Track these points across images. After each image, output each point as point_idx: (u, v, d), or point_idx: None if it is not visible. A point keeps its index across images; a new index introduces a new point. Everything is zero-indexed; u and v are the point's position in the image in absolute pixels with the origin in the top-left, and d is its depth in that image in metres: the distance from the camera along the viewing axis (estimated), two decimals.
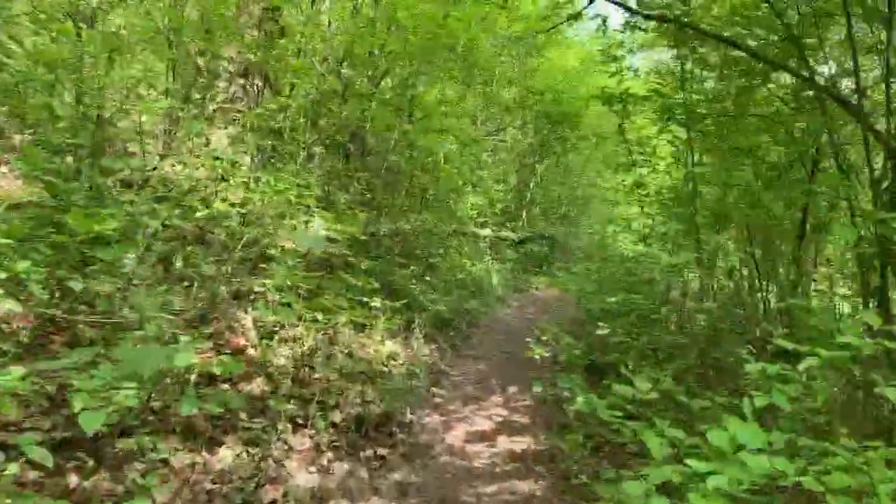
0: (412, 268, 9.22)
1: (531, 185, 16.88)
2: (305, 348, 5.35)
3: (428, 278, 9.27)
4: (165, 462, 3.67)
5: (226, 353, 5.17)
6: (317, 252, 5.60)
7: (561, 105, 15.85)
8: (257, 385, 4.86)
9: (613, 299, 4.07)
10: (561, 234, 15.96)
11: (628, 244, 9.91)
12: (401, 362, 6.04)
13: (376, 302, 6.15)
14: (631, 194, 7.20)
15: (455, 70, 12.17)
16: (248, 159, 9.56)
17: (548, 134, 16.26)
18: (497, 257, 12.77)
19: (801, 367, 2.14)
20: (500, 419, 5.10)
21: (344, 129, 10.98)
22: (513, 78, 15.55)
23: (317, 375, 5.17)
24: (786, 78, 5.69)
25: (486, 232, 13.07)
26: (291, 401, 4.77)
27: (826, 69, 4.64)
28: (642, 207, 7.28)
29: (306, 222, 10.06)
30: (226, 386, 4.75)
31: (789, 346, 2.25)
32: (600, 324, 3.99)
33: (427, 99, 10.68)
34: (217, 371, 4.13)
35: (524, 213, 16.59)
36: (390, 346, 6.21)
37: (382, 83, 11.70)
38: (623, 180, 7.71)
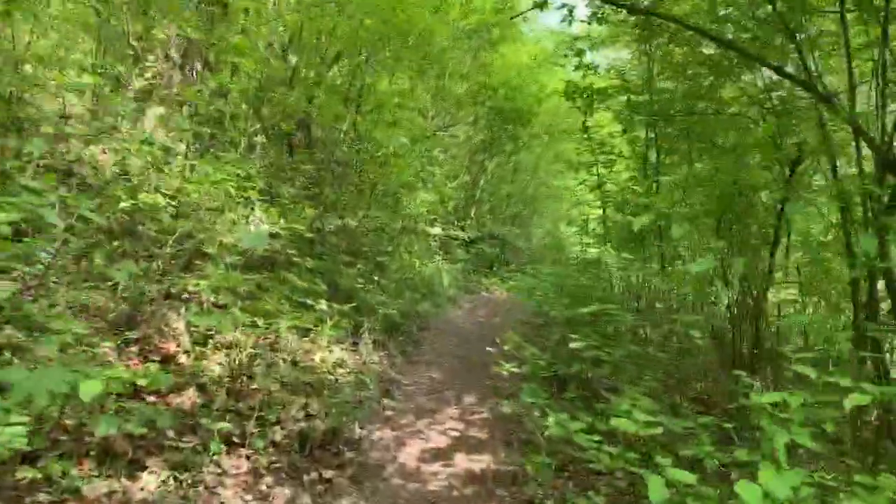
0: (359, 266, 8.78)
1: (481, 182, 16.63)
2: (244, 356, 4.87)
3: (377, 278, 8.85)
4: (77, 492, 3.18)
5: (154, 361, 4.67)
6: (258, 250, 5.14)
7: (514, 102, 15.64)
8: (188, 398, 4.37)
9: (587, 310, 3.76)
10: (511, 234, 15.73)
11: (586, 245, 9.73)
12: (348, 370, 5.63)
13: (322, 305, 5.72)
14: (593, 193, 6.96)
15: (408, 60, 11.77)
16: (183, 147, 8.99)
17: (499, 131, 16.03)
18: (447, 257, 12.44)
19: (846, 404, 1.86)
20: (456, 434, 4.75)
21: (289, 118, 10.46)
22: (465, 72, 15.24)
23: (256, 386, 4.71)
24: (759, 76, 5.52)
25: (437, 230, 12.71)
26: (227, 416, 4.32)
27: (808, 66, 4.45)
28: (604, 209, 7.07)
29: (247, 216, 9.52)
30: (152, 399, 4.25)
31: (811, 373, 1.98)
32: (573, 336, 3.67)
33: (379, 88, 10.25)
34: (142, 382, 3.65)
35: (473, 212, 16.33)
36: (337, 352, 5.78)
37: (332, 71, 11.21)
38: (584, 180, 7.49)
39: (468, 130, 15.72)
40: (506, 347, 4.92)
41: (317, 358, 5.55)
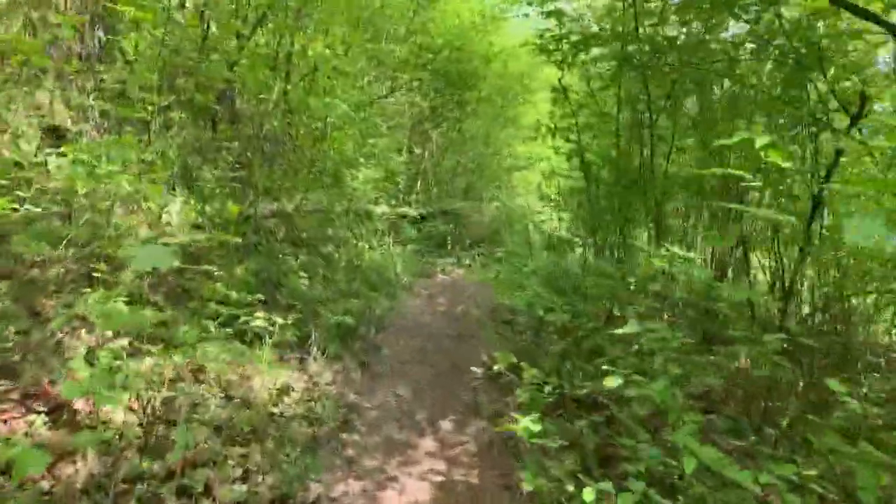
0: (301, 258, 7.74)
1: (427, 154, 15.58)
2: (160, 395, 3.83)
3: (322, 271, 7.83)
4: None
5: (39, 412, 3.62)
6: (163, 269, 4.08)
7: (459, 63, 14.59)
8: (83, 467, 3.33)
9: (624, 330, 2.85)
10: (465, 208, 14.79)
11: (553, 220, 8.91)
12: (297, 398, 4.64)
13: (259, 319, 4.69)
14: (569, 161, 6.08)
15: (339, 22, 10.62)
16: (88, 127, 7.80)
17: (444, 96, 14.97)
18: (399, 239, 11.43)
19: None
20: (438, 478, 3.84)
21: (208, 90, 9.20)
22: (404, 34, 14.06)
23: (176, 438, 3.69)
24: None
25: (383, 209, 11.68)
26: (136, 486, 3.30)
27: None
28: (587, 178, 6.19)
29: (162, 207, 8.33)
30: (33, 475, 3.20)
31: None
32: (606, 369, 2.77)
33: (314, 51, 9.09)
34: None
35: (420, 186, 15.29)
36: (282, 375, 4.78)
37: (255, 34, 9.93)
38: (559, 147, 6.59)
39: (411, 97, 14.58)
40: (496, 367, 4.04)
41: (256, 386, 4.53)
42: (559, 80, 6.08)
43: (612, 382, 2.73)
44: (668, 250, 3.28)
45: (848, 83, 4.35)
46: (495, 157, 16.28)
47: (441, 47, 14.42)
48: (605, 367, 2.93)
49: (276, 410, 4.38)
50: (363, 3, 11.00)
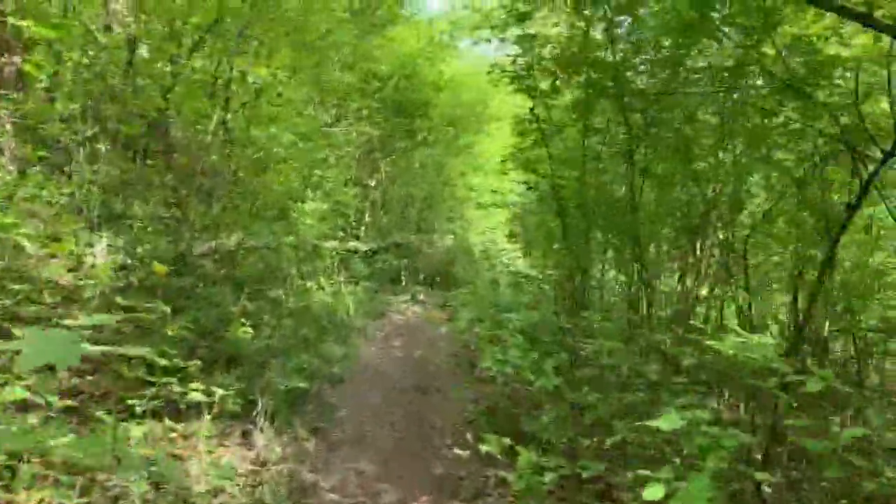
0: (244, 303, 7.03)
1: (373, 184, 14.93)
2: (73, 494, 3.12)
3: (267, 317, 7.13)
4: None
5: None
6: (62, 368, 3.36)
7: (408, 92, 14.12)
8: None
9: (662, 424, 2.30)
10: (417, 241, 14.19)
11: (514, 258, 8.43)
12: (241, 483, 3.94)
13: (196, 392, 4.00)
14: (541, 197, 5.62)
15: (284, 44, 10.02)
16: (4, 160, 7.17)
17: (394, 125, 14.43)
18: (349, 276, 10.74)
19: None
20: None
21: (137, 119, 8.47)
22: (350, 61, 13.49)
23: None
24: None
25: (332, 244, 11.00)
26: None
27: None
28: (561, 213, 5.73)
29: (88, 245, 7.62)
30: None
31: None
32: (643, 474, 2.21)
33: (258, 75, 8.47)
34: None
35: (366, 217, 14.59)
36: (223, 455, 4.08)
37: (191, 59, 9.23)
38: (530, 183, 6.12)
39: (358, 126, 13.99)
40: (483, 449, 3.46)
41: (193, 470, 3.82)
42: (531, 109, 5.62)
43: (654, 494, 2.18)
44: (735, 332, 2.78)
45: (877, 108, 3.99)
46: (448, 188, 15.79)
47: (389, 74, 13.94)
48: (641, 472, 2.38)
49: (216, 502, 3.68)
50: (307, 26, 10.42)
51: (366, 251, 12.25)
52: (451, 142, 15.23)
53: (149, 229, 7.81)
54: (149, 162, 9.05)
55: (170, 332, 4.77)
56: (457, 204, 16.41)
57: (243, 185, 9.60)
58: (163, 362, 3.88)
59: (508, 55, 6.66)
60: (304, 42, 10.50)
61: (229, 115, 8.95)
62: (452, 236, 15.35)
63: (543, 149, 5.69)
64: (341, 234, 12.04)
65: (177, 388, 4.03)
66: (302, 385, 5.26)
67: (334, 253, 10.53)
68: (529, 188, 6.32)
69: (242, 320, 6.74)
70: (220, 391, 4.16)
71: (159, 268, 5.56)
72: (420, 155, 15.40)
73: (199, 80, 9.10)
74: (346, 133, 13.00)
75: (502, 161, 6.23)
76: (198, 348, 5.34)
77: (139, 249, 7.17)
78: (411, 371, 7.17)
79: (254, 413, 4.65)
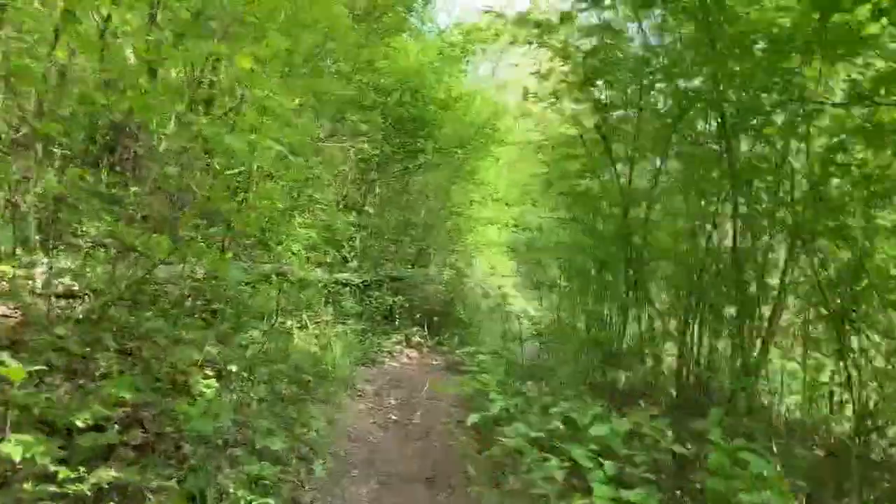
0: (217, 350, 5.87)
1: (368, 208, 13.67)
2: None
3: (236, 368, 5.93)
4: None
5: None
6: None
7: (413, 108, 13.00)
8: None
9: None
10: (416, 276, 12.93)
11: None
12: None
13: None
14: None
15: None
16: None
17: (395, 145, 13.28)
18: (338, 313, 9.48)
19: None
20: None
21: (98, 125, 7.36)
22: (349, 72, 12.33)
23: None
24: None
25: (320, 274, 9.77)
26: None
27: None
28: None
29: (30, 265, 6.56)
30: None
31: None
32: None
33: (238, 85, 7.36)
34: None
35: (357, 244, 13.25)
36: None
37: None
38: (580, 219, 5.00)
39: (356, 143, 12.79)
40: None
41: None
42: (596, 126, 4.51)
43: None
44: None
45: None
46: (450, 217, 14.55)
47: (391, 87, 12.83)
48: None
49: None
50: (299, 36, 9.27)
51: (357, 284, 10.99)
52: (459, 166, 14.07)
53: (102, 250, 6.74)
54: (110, 173, 7.87)
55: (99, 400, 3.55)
56: (459, 235, 15.17)
57: (221, 206, 8.41)
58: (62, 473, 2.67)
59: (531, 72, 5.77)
60: (298, 22, 9.30)
61: (200, 119, 7.77)
62: (453, 271, 14.13)
63: (597, 179, 4.56)
64: (329, 261, 10.80)
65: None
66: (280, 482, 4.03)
67: (321, 286, 9.29)
68: (575, 222, 5.17)
69: (207, 371, 5.60)
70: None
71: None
72: (422, 178, 14.25)
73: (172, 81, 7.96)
74: (342, 149, 11.85)
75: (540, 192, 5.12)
76: (137, 422, 4.11)
77: (89, 273, 6.13)
78: (410, 442, 5.95)
79: None
